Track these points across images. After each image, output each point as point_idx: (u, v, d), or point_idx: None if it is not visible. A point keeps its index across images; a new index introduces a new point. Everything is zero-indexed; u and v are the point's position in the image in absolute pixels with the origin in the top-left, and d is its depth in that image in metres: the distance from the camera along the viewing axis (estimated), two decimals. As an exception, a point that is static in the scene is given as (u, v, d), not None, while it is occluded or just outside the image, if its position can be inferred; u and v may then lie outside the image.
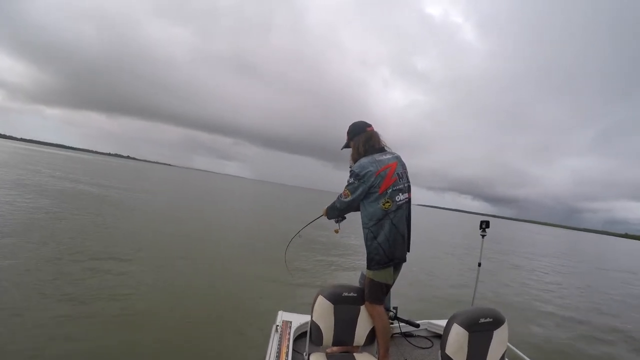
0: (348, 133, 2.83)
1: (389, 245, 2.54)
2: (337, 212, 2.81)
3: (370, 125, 2.79)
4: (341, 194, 2.70)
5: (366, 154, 2.68)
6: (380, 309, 2.63)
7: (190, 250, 9.37)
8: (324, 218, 2.99)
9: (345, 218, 2.95)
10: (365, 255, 2.66)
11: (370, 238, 2.58)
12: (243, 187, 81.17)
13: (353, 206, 2.70)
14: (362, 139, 2.73)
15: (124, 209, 15.14)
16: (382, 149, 2.74)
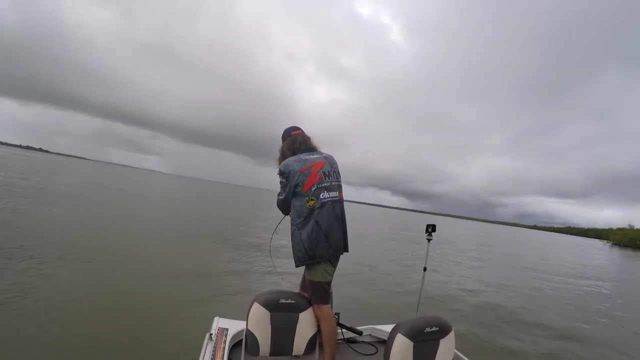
0: (281, 139, 2.99)
1: (310, 243, 2.58)
2: (280, 210, 2.88)
3: (297, 129, 2.94)
4: (279, 193, 2.78)
5: (293, 155, 2.79)
6: (326, 309, 2.63)
7: (112, 255, 8.49)
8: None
9: None
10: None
11: (296, 235, 2.65)
12: (163, 183, 75.62)
13: (287, 204, 2.76)
14: (287, 143, 2.89)
15: (36, 210, 13.32)
16: (310, 149, 2.86)
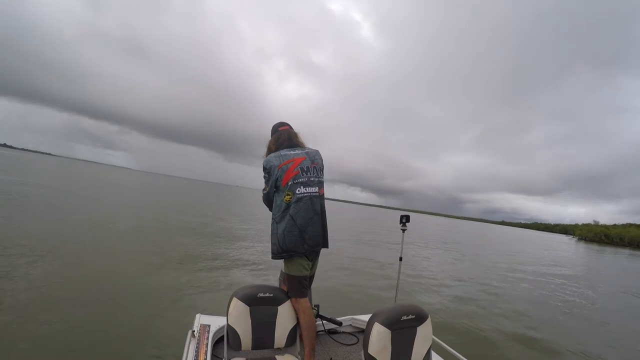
0: (270, 134, 3.05)
1: (284, 237, 2.65)
2: (265, 204, 2.94)
3: (285, 125, 3.02)
4: (263, 188, 2.86)
5: (278, 150, 2.87)
6: (304, 302, 2.68)
7: (81, 257, 7.99)
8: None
9: None
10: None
11: (274, 229, 2.73)
12: (131, 180, 71.91)
13: (270, 198, 2.82)
14: (273, 139, 2.97)
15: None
16: (293, 145, 2.91)
